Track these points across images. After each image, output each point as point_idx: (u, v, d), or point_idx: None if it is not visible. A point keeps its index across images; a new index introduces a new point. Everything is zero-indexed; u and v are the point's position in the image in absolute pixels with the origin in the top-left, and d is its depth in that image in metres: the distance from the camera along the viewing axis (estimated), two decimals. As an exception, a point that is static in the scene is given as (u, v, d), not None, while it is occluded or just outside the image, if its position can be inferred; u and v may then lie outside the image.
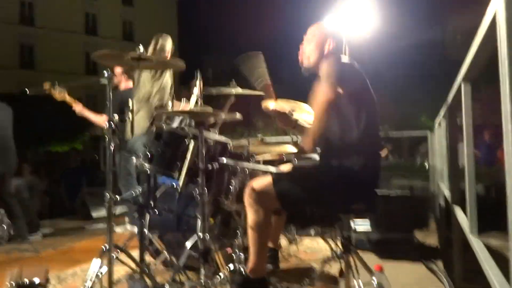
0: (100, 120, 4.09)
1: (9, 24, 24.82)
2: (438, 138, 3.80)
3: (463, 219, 1.64)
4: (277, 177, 2.04)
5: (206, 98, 2.26)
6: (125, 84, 4.28)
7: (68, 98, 3.89)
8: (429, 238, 3.75)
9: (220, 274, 2.18)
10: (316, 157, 2.12)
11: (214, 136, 2.36)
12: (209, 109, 2.03)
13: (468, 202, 1.33)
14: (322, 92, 1.88)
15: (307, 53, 2.17)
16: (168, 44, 3.78)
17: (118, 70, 4.18)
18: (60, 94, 3.77)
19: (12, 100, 4.33)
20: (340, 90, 1.95)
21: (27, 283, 1.82)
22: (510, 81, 0.70)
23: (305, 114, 2.91)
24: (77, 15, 27.51)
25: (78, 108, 4.06)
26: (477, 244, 1.22)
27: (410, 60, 14.47)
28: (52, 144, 19.30)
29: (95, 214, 5.64)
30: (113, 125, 2.03)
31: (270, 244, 2.53)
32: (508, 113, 0.68)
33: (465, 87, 1.39)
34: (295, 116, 2.91)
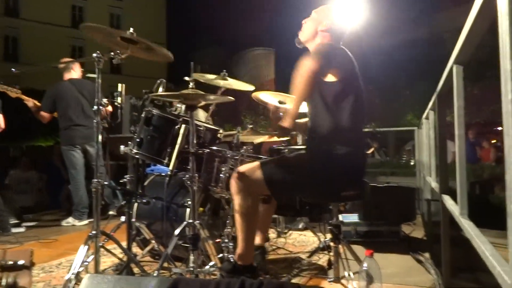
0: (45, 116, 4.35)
1: (-7, 15, 24.31)
2: (425, 132, 3.84)
3: (452, 205, 1.65)
4: (265, 162, 2.02)
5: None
6: (69, 75, 4.50)
7: (22, 96, 4.00)
8: (416, 231, 3.79)
9: (210, 263, 2.16)
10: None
11: (204, 123, 2.33)
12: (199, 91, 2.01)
13: (459, 185, 1.34)
14: (305, 64, 1.88)
15: (304, 28, 2.22)
16: None
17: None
18: (14, 92, 3.86)
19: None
20: (330, 76, 1.97)
21: (11, 264, 1.76)
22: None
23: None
24: (63, 8, 27.04)
25: (31, 104, 4.20)
26: (467, 224, 1.23)
27: (398, 59, 14.61)
28: (35, 139, 18.97)
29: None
30: (102, 110, 1.99)
31: (258, 241, 2.51)
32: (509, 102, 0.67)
33: (457, 69, 1.40)
34: (285, 107, 2.92)
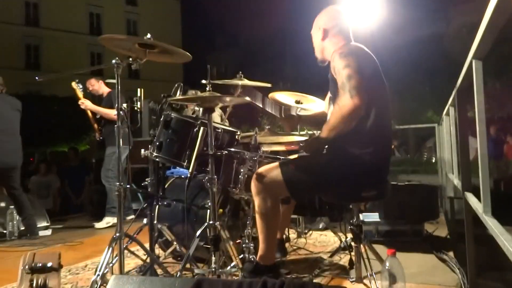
0: (111, 112, 4.44)
1: (15, 25, 25.00)
2: (446, 128, 3.77)
3: (476, 203, 1.62)
4: (284, 163, 2.03)
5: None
6: (104, 89, 4.74)
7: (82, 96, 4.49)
8: (439, 230, 3.73)
9: (232, 263, 2.18)
10: None
11: (222, 125, 2.35)
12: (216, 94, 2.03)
13: (482, 182, 1.32)
14: (347, 102, 1.83)
15: (314, 41, 2.21)
16: None
17: (92, 81, 4.74)
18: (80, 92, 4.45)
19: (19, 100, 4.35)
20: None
21: (40, 266, 1.83)
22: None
23: (312, 103, 2.91)
24: (81, 16, 27.68)
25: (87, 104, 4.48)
26: (491, 222, 1.21)
27: (416, 55, 14.35)
28: (57, 144, 19.43)
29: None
30: (123, 114, 2.04)
31: (277, 235, 2.52)
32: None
33: (476, 64, 1.38)
34: (302, 106, 2.91)
